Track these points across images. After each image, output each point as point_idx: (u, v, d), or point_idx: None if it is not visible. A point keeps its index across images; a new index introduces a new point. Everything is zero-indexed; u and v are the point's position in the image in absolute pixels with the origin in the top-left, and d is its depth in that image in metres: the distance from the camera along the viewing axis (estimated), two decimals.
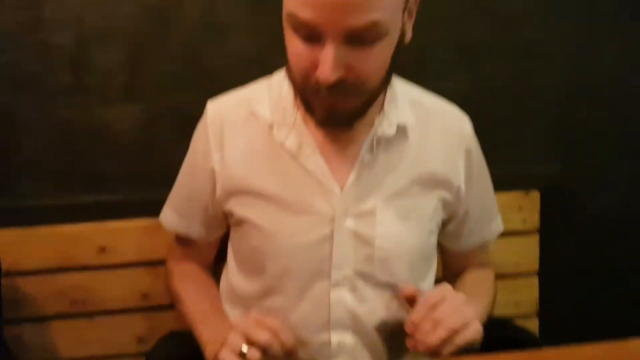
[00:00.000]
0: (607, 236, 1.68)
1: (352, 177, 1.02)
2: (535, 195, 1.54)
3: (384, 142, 1.03)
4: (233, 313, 1.13)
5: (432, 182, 1.07)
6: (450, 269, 1.23)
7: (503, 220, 1.37)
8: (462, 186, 1.10)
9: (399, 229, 1.03)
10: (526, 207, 1.53)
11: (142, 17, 1.37)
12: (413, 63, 1.47)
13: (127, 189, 1.43)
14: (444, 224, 1.14)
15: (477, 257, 1.22)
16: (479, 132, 1.53)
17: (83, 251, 1.38)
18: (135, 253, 1.39)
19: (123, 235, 1.39)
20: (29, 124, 1.37)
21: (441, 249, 1.19)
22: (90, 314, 1.40)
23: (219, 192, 1.07)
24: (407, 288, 0.94)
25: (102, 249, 1.39)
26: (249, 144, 1.05)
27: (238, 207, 1.06)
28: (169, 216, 1.19)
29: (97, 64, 1.37)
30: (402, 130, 1.04)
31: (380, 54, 0.88)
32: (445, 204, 1.10)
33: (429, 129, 1.08)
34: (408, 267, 1.04)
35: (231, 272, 1.13)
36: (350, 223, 1.01)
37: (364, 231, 1.01)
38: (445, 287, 0.94)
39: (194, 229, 1.16)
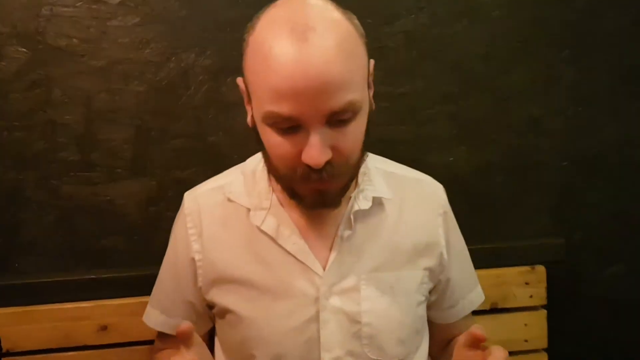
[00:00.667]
0: (615, 310, 1.65)
1: (333, 254, 1.01)
2: (541, 270, 1.52)
3: (361, 216, 1.03)
4: None
5: (414, 253, 1.06)
6: (437, 342, 1.19)
7: (510, 296, 1.35)
8: (444, 252, 1.10)
9: (385, 304, 1.02)
10: (532, 282, 1.52)
11: (149, 96, 1.40)
12: (414, 139, 1.50)
13: (129, 265, 1.42)
14: (435, 294, 1.12)
15: (463, 327, 1.18)
16: (481, 208, 1.54)
17: (84, 330, 1.37)
18: (137, 331, 1.37)
19: (124, 313, 1.38)
20: (34, 201, 1.39)
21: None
22: None
23: (200, 282, 1.06)
24: (479, 331, 0.86)
25: (103, 328, 1.37)
26: (227, 231, 1.05)
27: (220, 297, 1.04)
28: (154, 316, 1.15)
29: (104, 141, 1.39)
30: (378, 203, 1.05)
31: (359, 129, 0.91)
32: (431, 273, 1.08)
33: (404, 199, 1.09)
34: (398, 342, 1.02)
35: None
36: (335, 301, 1.00)
37: (349, 308, 1.00)
38: (505, 352, 0.87)
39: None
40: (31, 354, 1.35)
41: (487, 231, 1.54)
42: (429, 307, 1.13)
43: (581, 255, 1.62)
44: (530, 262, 1.53)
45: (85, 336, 1.37)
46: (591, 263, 1.63)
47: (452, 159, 1.52)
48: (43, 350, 1.35)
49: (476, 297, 1.20)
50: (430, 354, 1.15)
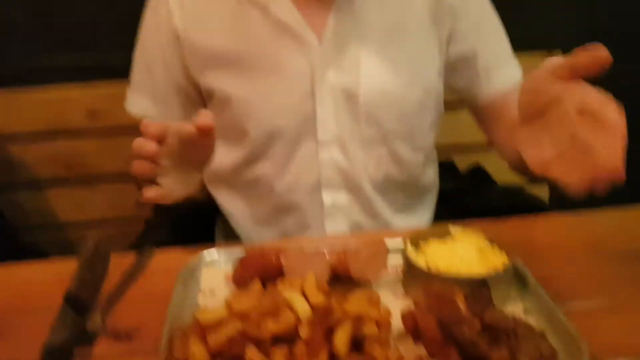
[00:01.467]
0: (630, 100, 1.59)
1: (330, 25, 0.91)
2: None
3: None
4: (219, 195, 1.05)
5: (423, 23, 0.96)
6: (495, 124, 1.05)
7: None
8: (460, 18, 0.97)
9: (387, 80, 0.94)
10: None
11: None
12: None
13: (115, 48, 1.31)
14: (456, 67, 1.01)
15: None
16: None
17: (72, 114, 1.33)
18: (128, 117, 1.32)
19: (113, 98, 1.30)
20: None
21: (475, 111, 1.06)
22: (86, 179, 1.38)
23: (186, 61, 0.97)
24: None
25: (92, 113, 1.33)
26: (211, 3, 0.94)
27: (208, 77, 0.96)
28: (140, 103, 1.03)
29: None
30: None
31: None
32: (442, 43, 0.98)
33: None
34: (398, 121, 0.96)
35: None
36: (331, 77, 0.92)
37: (347, 85, 0.92)
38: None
39: (174, 114, 1.02)
40: (20, 138, 1.33)
41: (503, 14, 1.43)
42: (460, 85, 1.03)
43: (600, 42, 1.52)
44: (547, 47, 1.41)
45: (74, 121, 1.34)
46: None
47: None
48: (32, 134, 1.33)
49: (513, 71, 1.04)
50: (500, 141, 1.04)
